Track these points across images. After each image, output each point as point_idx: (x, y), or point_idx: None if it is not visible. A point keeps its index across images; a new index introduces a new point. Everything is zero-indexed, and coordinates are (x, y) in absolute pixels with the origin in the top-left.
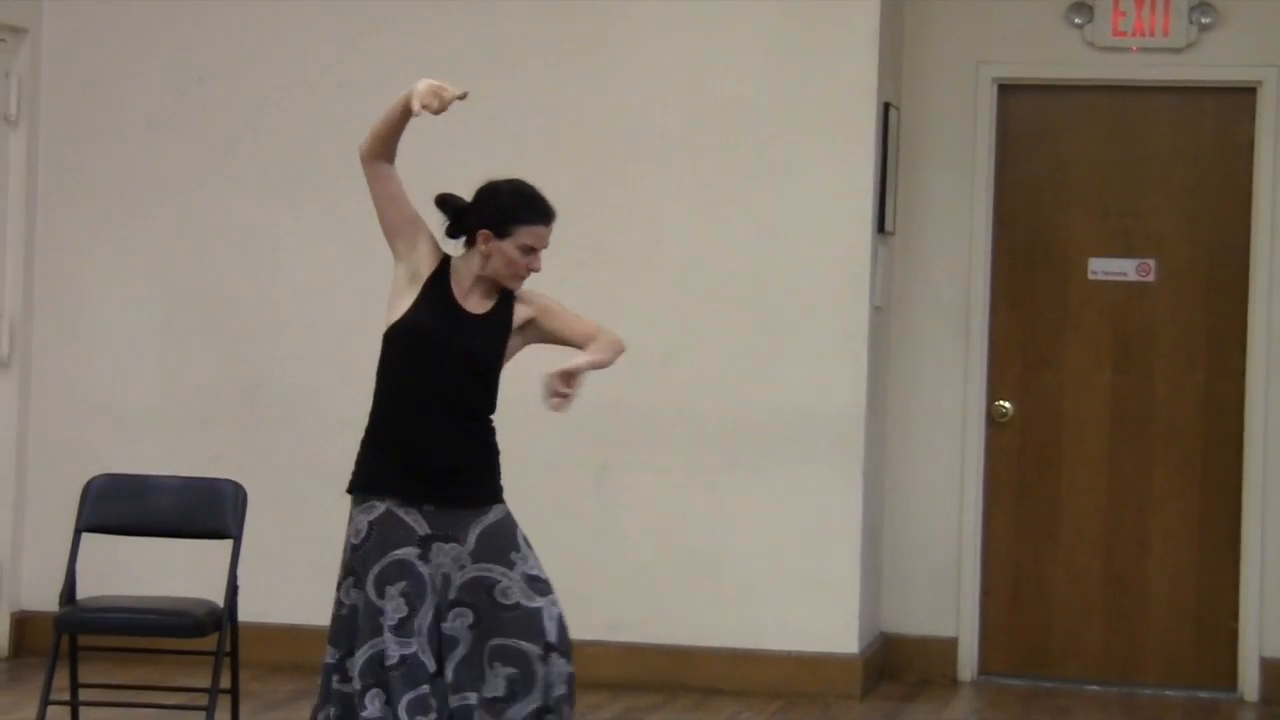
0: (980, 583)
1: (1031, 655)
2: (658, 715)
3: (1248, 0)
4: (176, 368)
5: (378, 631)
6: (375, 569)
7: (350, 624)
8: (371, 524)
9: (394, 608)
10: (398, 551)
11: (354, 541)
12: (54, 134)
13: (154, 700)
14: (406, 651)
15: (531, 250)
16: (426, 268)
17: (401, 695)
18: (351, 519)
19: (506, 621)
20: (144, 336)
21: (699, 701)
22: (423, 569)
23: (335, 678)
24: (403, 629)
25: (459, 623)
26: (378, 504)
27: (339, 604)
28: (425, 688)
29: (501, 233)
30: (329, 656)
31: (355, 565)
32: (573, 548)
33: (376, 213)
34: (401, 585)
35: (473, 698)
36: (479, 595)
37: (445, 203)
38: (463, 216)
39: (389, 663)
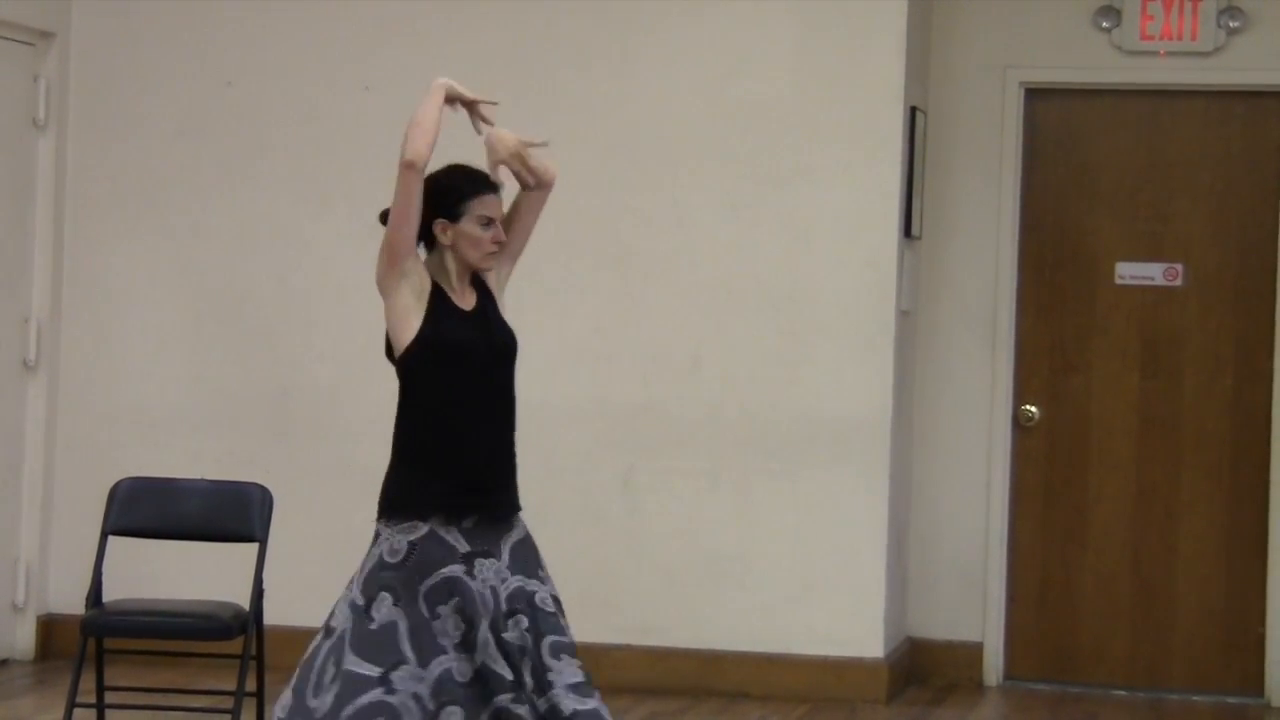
0: (1006, 587)
1: (1058, 660)
2: None
3: (1276, 4)
4: (204, 371)
5: (442, 650)
6: (423, 587)
7: (388, 640)
8: (412, 543)
9: (453, 625)
10: (444, 570)
11: (390, 560)
12: (82, 138)
13: (180, 703)
14: (476, 666)
15: (490, 221)
16: (428, 282)
17: (480, 711)
18: (383, 538)
19: (552, 623)
20: (171, 340)
21: (725, 706)
22: (472, 585)
23: (380, 690)
24: (466, 644)
25: (517, 629)
26: (420, 524)
27: (365, 618)
28: (506, 696)
29: (455, 216)
30: (362, 669)
31: (394, 583)
32: (599, 552)
33: (394, 226)
34: (455, 602)
35: (560, 690)
36: (523, 602)
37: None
38: None
39: (461, 680)
